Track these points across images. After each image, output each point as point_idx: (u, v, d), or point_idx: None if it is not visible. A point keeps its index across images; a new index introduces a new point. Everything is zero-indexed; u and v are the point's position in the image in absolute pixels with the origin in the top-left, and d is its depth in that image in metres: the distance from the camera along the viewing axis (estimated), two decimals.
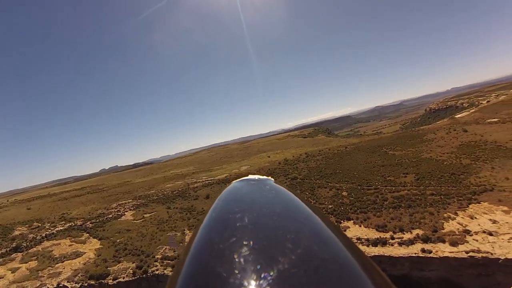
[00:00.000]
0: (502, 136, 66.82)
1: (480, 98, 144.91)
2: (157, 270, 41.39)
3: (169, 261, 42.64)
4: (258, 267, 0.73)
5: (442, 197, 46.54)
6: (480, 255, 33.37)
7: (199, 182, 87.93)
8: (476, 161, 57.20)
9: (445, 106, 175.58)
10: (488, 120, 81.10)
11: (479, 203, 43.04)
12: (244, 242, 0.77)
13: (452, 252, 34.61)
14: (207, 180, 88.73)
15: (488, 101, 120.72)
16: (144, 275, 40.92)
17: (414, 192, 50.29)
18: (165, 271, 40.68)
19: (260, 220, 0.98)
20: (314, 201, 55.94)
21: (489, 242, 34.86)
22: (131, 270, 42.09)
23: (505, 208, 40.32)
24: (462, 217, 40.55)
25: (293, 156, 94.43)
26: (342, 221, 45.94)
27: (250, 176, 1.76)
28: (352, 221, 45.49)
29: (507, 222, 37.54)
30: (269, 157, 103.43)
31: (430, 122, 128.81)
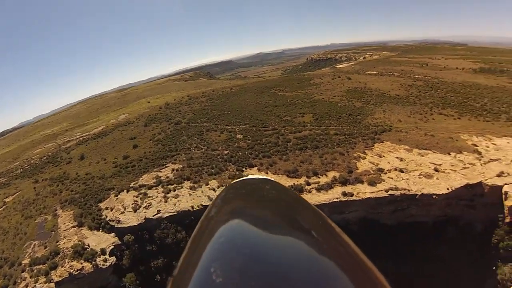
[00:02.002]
0: (383, 85, 73.55)
1: (356, 55, 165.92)
2: (26, 286, 27.36)
3: (40, 266, 28.93)
4: None
5: (346, 136, 45.16)
6: (398, 192, 32.48)
7: (72, 140, 75.04)
8: (367, 105, 59.89)
9: (325, 58, 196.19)
10: (368, 72, 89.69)
11: (382, 142, 43.40)
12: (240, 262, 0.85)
13: (373, 192, 32.38)
14: (82, 136, 75.65)
15: (364, 58, 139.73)
16: None
17: (317, 132, 47.48)
18: (36, 285, 27.12)
19: (257, 234, 1.03)
20: (205, 147, 46.34)
21: (403, 179, 34.37)
22: None
23: (407, 147, 41.62)
24: (372, 156, 39.46)
25: (175, 100, 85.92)
26: (244, 169, 38.51)
27: (250, 176, 1.77)
28: (256, 168, 38.79)
29: (412, 160, 38.35)
30: (149, 102, 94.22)
31: (312, 70, 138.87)
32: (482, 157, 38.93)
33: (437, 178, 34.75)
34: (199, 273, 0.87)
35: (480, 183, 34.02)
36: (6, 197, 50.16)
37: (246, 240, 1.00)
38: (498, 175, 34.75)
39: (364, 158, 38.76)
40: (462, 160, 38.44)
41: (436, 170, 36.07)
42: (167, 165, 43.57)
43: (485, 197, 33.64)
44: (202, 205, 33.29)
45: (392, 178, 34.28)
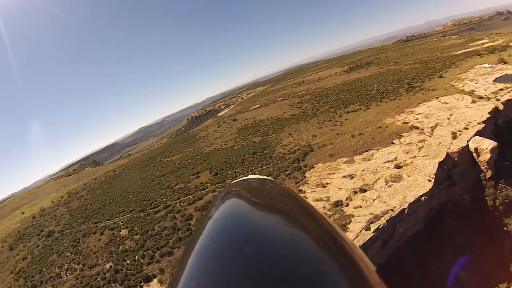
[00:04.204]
0: (273, 112, 68.40)
1: (233, 99, 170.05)
2: None
3: None
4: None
5: None
6: (383, 221, 21.81)
7: None
8: (267, 136, 52.05)
9: (205, 112, 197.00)
10: (251, 108, 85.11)
11: (313, 167, 33.84)
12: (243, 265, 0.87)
13: (353, 239, 20.20)
14: None
15: (242, 98, 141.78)
16: None
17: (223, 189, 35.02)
18: None
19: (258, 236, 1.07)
20: (81, 265, 30.88)
21: (373, 200, 24.24)
22: None
23: (345, 159, 33.22)
24: (313, 191, 29.14)
25: (53, 202, 74.28)
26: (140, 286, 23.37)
27: (250, 176, 1.84)
28: (156, 279, 24.15)
29: (363, 170, 29.78)
30: (23, 213, 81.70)
31: (195, 127, 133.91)
32: (423, 129, 34.53)
33: (408, 175, 26.41)
34: (198, 273, 0.90)
35: (447, 154, 28.63)
36: None
37: (246, 239, 1.02)
38: (454, 138, 30.67)
39: (306, 198, 27.70)
40: (410, 142, 32.28)
41: (398, 167, 27.84)
42: None
43: (458, 165, 29.17)
44: None
45: (361, 206, 23.69)
